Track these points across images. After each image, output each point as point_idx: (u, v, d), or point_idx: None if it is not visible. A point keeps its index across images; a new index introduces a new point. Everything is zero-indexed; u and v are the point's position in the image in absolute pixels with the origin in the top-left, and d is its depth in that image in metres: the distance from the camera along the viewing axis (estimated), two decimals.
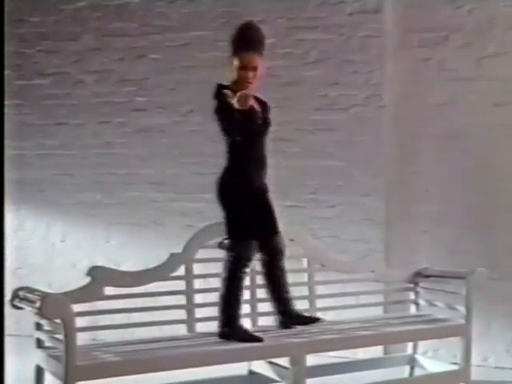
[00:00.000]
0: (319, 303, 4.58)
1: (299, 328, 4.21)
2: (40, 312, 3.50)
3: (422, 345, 4.96)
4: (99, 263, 4.50)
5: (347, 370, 4.63)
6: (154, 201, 6.16)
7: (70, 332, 3.46)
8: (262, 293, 4.41)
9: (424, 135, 5.56)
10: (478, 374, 4.67)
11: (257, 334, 4.02)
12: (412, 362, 4.84)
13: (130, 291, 4.10)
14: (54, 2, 6.43)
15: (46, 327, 3.77)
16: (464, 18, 5.47)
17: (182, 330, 4.23)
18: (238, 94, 3.77)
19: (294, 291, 4.31)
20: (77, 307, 3.67)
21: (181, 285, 4.23)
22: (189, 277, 4.25)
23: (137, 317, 4.24)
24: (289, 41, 5.74)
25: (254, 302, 4.41)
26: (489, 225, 5.40)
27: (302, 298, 4.46)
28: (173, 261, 4.19)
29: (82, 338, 3.60)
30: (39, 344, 3.87)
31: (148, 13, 6.21)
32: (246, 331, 4.02)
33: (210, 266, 4.21)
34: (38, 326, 3.85)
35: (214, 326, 4.08)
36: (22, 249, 6.43)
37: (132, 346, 3.85)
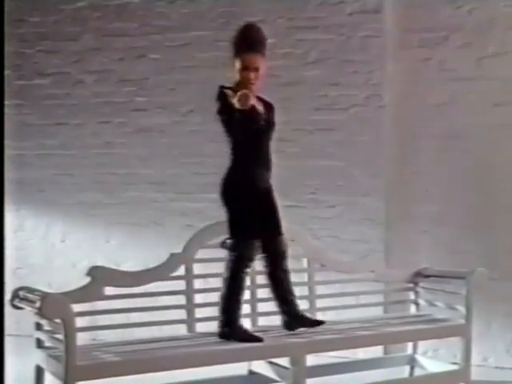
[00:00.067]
0: (319, 303, 4.58)
1: (300, 328, 4.21)
2: (40, 312, 3.50)
3: (422, 345, 4.96)
4: (99, 263, 4.50)
5: (347, 369, 4.63)
6: (154, 201, 6.16)
7: (69, 332, 3.46)
8: (262, 293, 4.42)
9: (424, 135, 5.56)
10: (478, 374, 4.67)
11: (257, 333, 4.02)
12: (412, 362, 4.85)
13: (130, 291, 4.10)
14: (53, 1, 6.44)
15: (46, 327, 3.77)
16: (464, 18, 5.47)
17: (182, 330, 4.23)
18: (239, 94, 3.78)
19: (294, 291, 4.30)
20: (77, 307, 3.67)
21: (181, 285, 4.23)
22: (189, 277, 4.25)
23: (137, 317, 4.24)
24: (289, 41, 5.75)
25: (254, 301, 4.42)
26: (489, 225, 5.40)
27: (302, 297, 4.46)
28: (173, 261, 4.19)
29: (81, 338, 3.60)
30: (39, 344, 3.87)
31: (148, 13, 6.21)
32: (246, 331, 4.02)
33: (210, 266, 4.21)
34: (38, 326, 3.85)
35: (214, 326, 4.08)
36: (22, 249, 6.43)
37: (132, 346, 3.85)
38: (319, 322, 4.15)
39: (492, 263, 5.07)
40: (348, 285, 4.80)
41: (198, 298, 4.27)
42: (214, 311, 4.10)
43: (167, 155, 6.14)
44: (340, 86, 5.69)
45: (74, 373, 3.46)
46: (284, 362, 3.99)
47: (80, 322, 3.62)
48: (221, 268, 4.13)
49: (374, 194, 5.58)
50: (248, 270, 4.08)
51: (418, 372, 4.81)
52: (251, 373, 4.35)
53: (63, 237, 6.42)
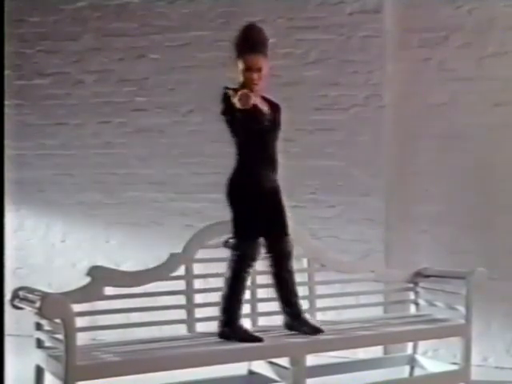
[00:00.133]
0: (319, 303, 4.58)
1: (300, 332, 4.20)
2: (40, 312, 3.49)
3: (422, 345, 4.96)
4: (99, 263, 4.49)
5: (347, 369, 4.63)
6: (154, 201, 6.16)
7: (69, 332, 3.46)
8: (262, 293, 4.42)
9: (424, 135, 5.56)
10: (478, 374, 4.67)
11: (257, 334, 4.02)
12: (412, 362, 4.85)
13: (130, 291, 4.10)
14: (54, 1, 6.44)
15: (46, 327, 3.77)
16: (464, 18, 5.47)
17: (181, 330, 4.23)
18: (239, 94, 3.78)
19: (298, 292, 4.30)
20: (77, 307, 3.67)
21: (181, 285, 4.23)
22: (189, 277, 4.25)
23: (137, 317, 4.24)
24: (289, 41, 5.74)
25: (254, 301, 4.41)
26: (489, 225, 5.40)
27: (302, 298, 4.45)
28: (173, 261, 4.19)
29: (81, 338, 3.60)
30: (39, 344, 3.87)
31: (148, 13, 6.21)
32: (246, 331, 4.02)
33: (210, 266, 4.21)
34: (38, 326, 3.85)
35: (214, 326, 4.08)
36: (22, 249, 6.43)
37: (132, 346, 3.85)
38: (319, 330, 4.14)
39: (492, 263, 5.07)
40: (348, 285, 4.80)
41: (198, 298, 4.27)
42: (214, 311, 4.10)
43: (167, 155, 6.14)
44: (340, 85, 5.70)
45: (73, 373, 3.46)
46: (284, 362, 3.99)
47: (80, 321, 3.62)
48: (221, 268, 4.14)
49: (374, 194, 5.58)
50: (250, 269, 4.08)
51: (417, 372, 4.81)
52: (251, 373, 4.34)
53: (63, 237, 6.42)
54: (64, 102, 6.40)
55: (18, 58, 6.36)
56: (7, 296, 3.53)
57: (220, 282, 4.10)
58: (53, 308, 3.47)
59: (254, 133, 4.01)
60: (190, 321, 4.21)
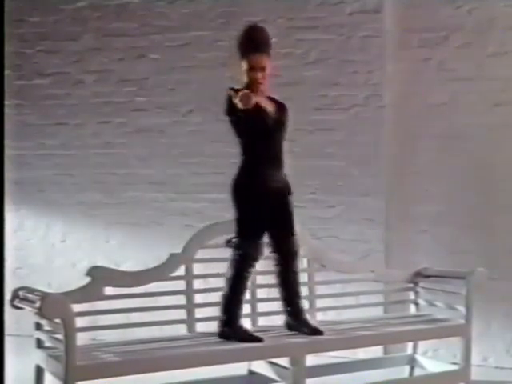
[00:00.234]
0: (319, 303, 4.58)
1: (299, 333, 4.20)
2: (40, 312, 3.50)
3: (422, 345, 4.96)
4: (99, 263, 4.50)
5: (347, 369, 4.63)
6: (154, 201, 6.16)
7: (69, 332, 3.46)
8: (262, 293, 4.42)
9: (424, 135, 5.56)
10: (478, 374, 4.68)
11: (257, 334, 4.02)
12: (412, 362, 4.85)
13: (130, 291, 4.10)
14: (54, 1, 6.43)
15: (46, 327, 3.77)
16: (464, 18, 5.47)
17: (182, 330, 4.23)
18: (240, 94, 3.78)
19: (301, 293, 4.30)
20: (77, 307, 3.67)
21: (181, 285, 4.23)
22: (189, 277, 4.25)
23: (137, 317, 4.24)
24: (289, 41, 5.74)
25: (254, 301, 4.41)
26: (489, 225, 5.40)
27: (303, 298, 4.45)
28: (173, 261, 4.19)
29: (81, 338, 3.60)
30: (39, 344, 3.87)
31: (148, 13, 6.21)
32: (246, 331, 4.02)
33: (210, 266, 4.21)
34: (38, 326, 3.85)
35: (213, 326, 4.08)
36: (22, 249, 6.43)
37: (132, 346, 3.85)
38: (318, 332, 4.14)
39: (492, 263, 5.07)
40: (348, 285, 4.80)
41: (198, 298, 4.27)
42: (214, 311, 4.10)
43: (167, 155, 6.14)
44: (340, 85, 5.70)
45: (73, 373, 3.46)
46: (284, 362, 3.99)
47: (80, 321, 3.62)
48: (221, 268, 4.14)
49: (374, 194, 5.58)
50: (252, 269, 4.07)
51: (417, 372, 4.81)
52: (251, 373, 4.34)
53: (63, 237, 6.42)
54: (64, 102, 6.40)
55: (18, 58, 6.36)
56: (7, 296, 3.52)
57: (220, 282, 4.10)
58: (53, 308, 3.47)
59: (258, 133, 4.02)
60: (190, 321, 4.21)
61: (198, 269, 4.28)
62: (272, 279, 4.25)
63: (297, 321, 4.16)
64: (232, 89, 3.95)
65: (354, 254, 5.38)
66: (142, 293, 4.20)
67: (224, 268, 4.09)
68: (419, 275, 4.81)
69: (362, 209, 5.60)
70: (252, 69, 4.02)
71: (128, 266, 5.72)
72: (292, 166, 5.63)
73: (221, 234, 4.24)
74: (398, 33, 5.59)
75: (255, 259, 4.05)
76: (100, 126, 6.33)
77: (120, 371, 3.59)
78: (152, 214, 6.16)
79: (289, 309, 4.18)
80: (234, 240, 4.05)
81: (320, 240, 5.19)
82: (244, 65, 4.04)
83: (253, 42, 4.03)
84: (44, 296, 3.52)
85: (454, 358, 4.98)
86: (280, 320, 4.25)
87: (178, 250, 4.22)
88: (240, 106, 3.78)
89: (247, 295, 4.26)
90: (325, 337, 4.11)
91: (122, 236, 6.24)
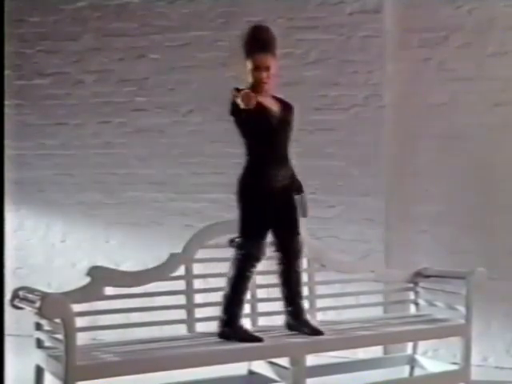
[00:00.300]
0: (319, 303, 4.58)
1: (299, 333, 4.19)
2: (40, 312, 3.49)
3: (422, 345, 4.96)
4: (99, 263, 4.50)
5: (347, 369, 4.63)
6: (154, 201, 6.16)
7: (69, 332, 3.46)
8: (262, 293, 4.42)
9: (424, 135, 5.56)
10: (478, 374, 4.68)
11: (257, 334, 4.02)
12: (412, 362, 4.85)
13: (130, 291, 4.10)
14: (54, 1, 6.43)
15: (46, 327, 3.76)
16: (464, 18, 5.47)
17: (181, 329, 4.23)
18: (241, 94, 3.78)
19: (302, 293, 4.29)
20: (77, 307, 3.67)
21: (181, 285, 4.23)
22: (189, 277, 4.25)
23: (137, 317, 4.24)
24: (289, 41, 5.73)
25: (254, 302, 4.41)
26: (489, 225, 5.40)
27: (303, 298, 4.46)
28: (173, 261, 4.19)
29: (81, 338, 3.60)
30: (39, 344, 3.87)
31: (148, 13, 6.21)
32: (246, 331, 4.02)
33: (210, 266, 4.21)
34: (38, 326, 3.85)
35: (213, 326, 4.08)
36: (22, 249, 6.43)
37: (132, 346, 3.85)
38: (319, 332, 4.14)
39: (492, 263, 5.07)
40: (348, 285, 4.80)
41: (198, 298, 4.27)
42: (214, 311, 4.10)
43: (167, 155, 6.14)
44: (340, 85, 5.69)
45: (73, 373, 3.46)
46: (284, 362, 3.99)
47: (80, 322, 3.62)
48: (221, 268, 4.14)
49: (374, 194, 5.58)
50: (254, 269, 4.07)
51: (417, 372, 4.81)
52: (251, 373, 4.35)
53: (63, 237, 6.42)
54: (64, 102, 6.40)
55: (18, 58, 6.36)
56: (7, 296, 3.53)
57: (220, 282, 4.10)
58: (53, 308, 3.47)
59: (262, 132, 4.02)
60: (190, 321, 4.21)
61: (198, 269, 4.28)
62: (272, 279, 4.25)
63: (297, 321, 4.16)
64: (236, 89, 3.95)
65: (354, 253, 5.38)
66: (142, 293, 4.20)
67: (224, 268, 4.09)
68: (419, 275, 4.81)
69: (362, 209, 5.60)
70: (257, 68, 4.02)
71: (128, 265, 5.72)
72: (292, 165, 5.67)
73: (221, 234, 4.24)
74: (398, 33, 5.59)
75: (258, 259, 4.04)
76: (100, 126, 6.33)
77: (120, 371, 3.59)
78: (152, 213, 6.16)
79: (290, 308, 4.18)
80: (237, 240, 4.05)
81: (320, 240, 5.18)
82: (249, 64, 4.04)
83: (258, 42, 4.04)
84: (44, 296, 3.52)
85: (454, 358, 4.98)
86: (280, 320, 4.25)
87: (178, 249, 4.22)
88: (241, 105, 3.78)
89: (247, 295, 4.26)
90: (325, 337, 4.11)
91: (122, 236, 6.24)
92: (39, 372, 3.87)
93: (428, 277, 4.77)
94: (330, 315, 4.77)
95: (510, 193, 5.36)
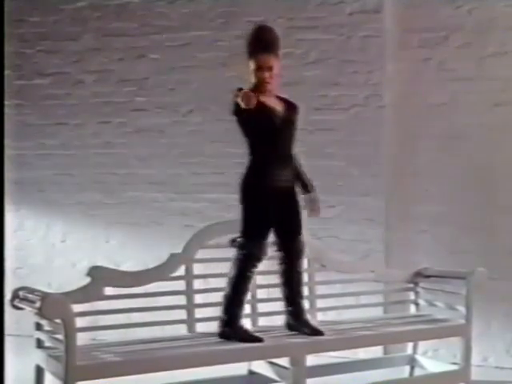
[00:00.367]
0: (319, 303, 4.58)
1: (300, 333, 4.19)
2: (40, 312, 3.49)
3: (422, 345, 4.96)
4: (99, 263, 4.49)
5: (347, 369, 4.63)
6: (154, 201, 6.16)
7: (70, 332, 3.46)
8: (262, 293, 4.42)
9: (424, 135, 5.56)
10: (478, 374, 4.68)
11: (257, 334, 4.02)
12: (412, 362, 4.85)
13: (130, 291, 4.10)
14: (54, 1, 6.43)
15: (46, 327, 3.76)
16: (464, 18, 5.47)
17: (182, 330, 4.23)
18: (241, 94, 3.79)
19: (303, 294, 4.30)
20: (77, 307, 3.67)
21: (181, 285, 4.23)
22: (189, 277, 4.25)
23: (137, 317, 4.23)
24: (289, 41, 5.72)
25: (254, 302, 4.41)
26: (489, 225, 5.40)
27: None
28: (173, 261, 4.19)
29: (82, 338, 3.60)
30: (39, 344, 3.87)
31: (148, 13, 6.21)
32: (246, 331, 4.02)
33: (210, 266, 4.21)
34: (38, 326, 3.85)
35: (214, 326, 4.08)
36: (22, 249, 6.43)
37: (132, 346, 3.85)
38: (319, 332, 4.14)
39: (492, 263, 5.07)
40: (348, 285, 4.80)
41: (198, 298, 4.27)
42: (214, 311, 4.10)
43: (167, 155, 6.14)
44: (340, 85, 5.70)
45: (73, 373, 3.46)
46: (284, 362, 3.99)
47: (80, 322, 3.62)
48: (221, 268, 4.14)
49: (374, 194, 5.58)
50: (255, 270, 4.07)
51: (417, 372, 4.81)
52: (251, 373, 4.35)
53: (63, 237, 6.42)
54: (64, 102, 6.40)
55: (18, 58, 6.36)
56: (7, 296, 3.53)
57: (220, 282, 4.10)
58: (53, 308, 3.47)
59: (265, 132, 4.02)
60: (190, 321, 4.21)
61: (198, 269, 4.28)
62: (272, 279, 4.25)
63: (297, 321, 4.16)
64: (239, 89, 3.95)
65: (354, 253, 5.38)
66: (142, 293, 4.20)
67: (224, 268, 4.09)
68: (419, 275, 4.81)
69: (362, 209, 5.60)
70: (259, 69, 4.03)
71: (128, 266, 5.72)
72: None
73: (221, 234, 4.24)
74: (398, 33, 5.59)
75: (259, 259, 4.04)
76: (100, 126, 6.33)
77: (120, 371, 3.59)
78: (152, 213, 6.16)
79: (290, 308, 4.18)
80: (238, 240, 4.05)
81: (320, 240, 5.18)
82: (252, 64, 4.05)
83: (261, 42, 4.04)
84: (44, 296, 3.52)
85: (454, 357, 4.98)
86: (280, 320, 4.25)
87: (178, 249, 4.22)
88: (242, 105, 3.78)
89: (247, 295, 4.26)
90: (325, 337, 4.11)
91: (121, 236, 6.24)
92: (39, 372, 3.87)
93: (428, 277, 4.77)
94: (330, 315, 4.77)
95: (509, 193, 5.36)
